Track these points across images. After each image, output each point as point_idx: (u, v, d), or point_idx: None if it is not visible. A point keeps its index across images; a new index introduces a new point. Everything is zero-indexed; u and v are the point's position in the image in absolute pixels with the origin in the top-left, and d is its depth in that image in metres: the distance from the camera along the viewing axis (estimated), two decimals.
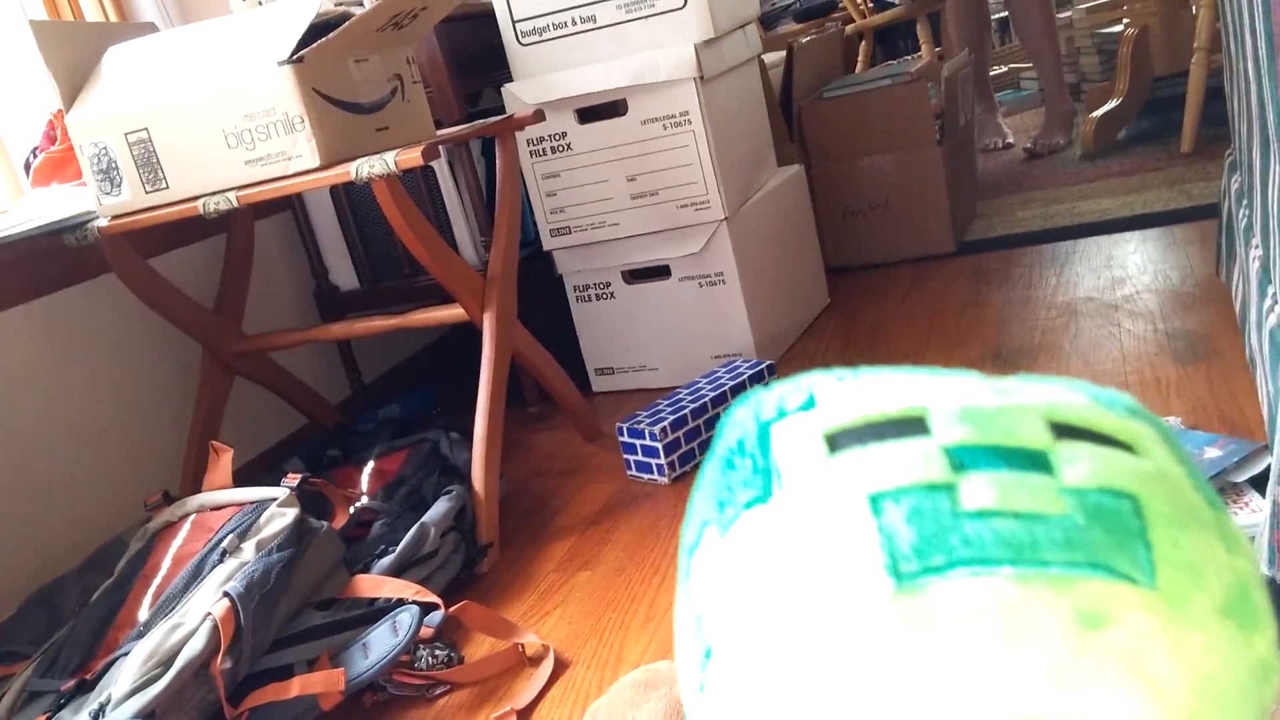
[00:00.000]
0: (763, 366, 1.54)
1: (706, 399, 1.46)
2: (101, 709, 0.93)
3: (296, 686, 0.99)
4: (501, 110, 1.69)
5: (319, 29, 1.21)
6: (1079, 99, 3.03)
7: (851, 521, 0.28)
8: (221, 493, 1.23)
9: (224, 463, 1.27)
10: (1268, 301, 0.96)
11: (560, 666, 1.03)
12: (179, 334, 1.57)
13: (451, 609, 1.09)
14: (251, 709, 0.99)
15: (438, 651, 1.07)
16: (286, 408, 1.72)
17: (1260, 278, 1.02)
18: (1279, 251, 0.87)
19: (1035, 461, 0.29)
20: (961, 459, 0.29)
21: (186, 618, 1.01)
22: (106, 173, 1.30)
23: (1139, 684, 0.26)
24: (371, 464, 1.43)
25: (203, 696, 0.97)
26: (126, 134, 1.27)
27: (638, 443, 1.41)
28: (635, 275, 1.75)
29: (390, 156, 1.18)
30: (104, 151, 1.29)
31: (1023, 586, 0.27)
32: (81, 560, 1.23)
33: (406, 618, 1.04)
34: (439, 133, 1.43)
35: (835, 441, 0.30)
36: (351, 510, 1.30)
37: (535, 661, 1.05)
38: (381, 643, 1.03)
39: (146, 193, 1.30)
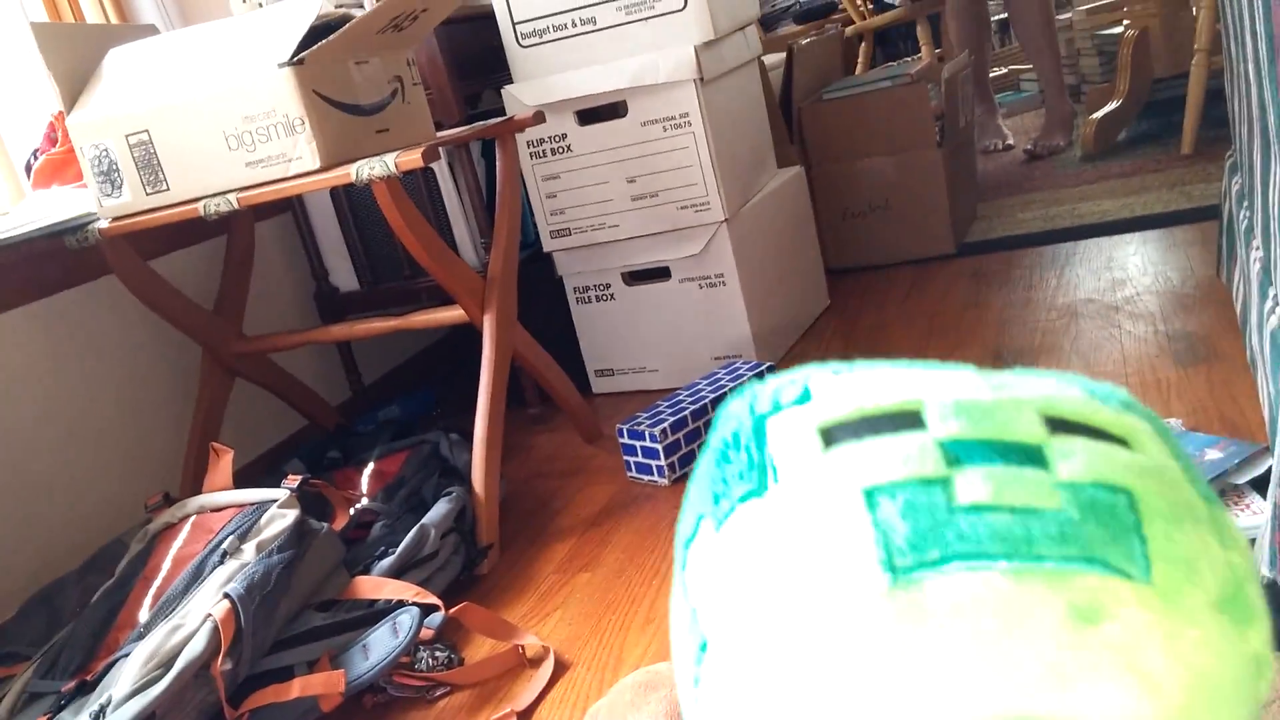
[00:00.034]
0: (763, 368, 1.54)
1: (706, 400, 1.46)
2: (102, 710, 0.93)
3: (297, 688, 0.99)
4: (501, 112, 1.69)
5: (319, 31, 1.21)
6: (1079, 100, 3.03)
7: (847, 516, 0.28)
8: (222, 494, 1.23)
9: (224, 464, 1.27)
10: (1269, 303, 0.96)
11: (560, 668, 1.03)
12: (179, 335, 1.57)
13: (452, 610, 1.09)
14: (252, 710, 0.99)
15: (438, 653, 1.07)
16: (286, 409, 1.72)
17: (1261, 279, 1.02)
18: None
19: (1030, 456, 0.29)
20: (957, 453, 0.29)
21: (187, 619, 1.01)
22: (107, 174, 1.30)
23: (1133, 679, 0.26)
24: (371, 465, 1.43)
25: (203, 698, 0.97)
26: (127, 136, 1.27)
27: (638, 444, 1.41)
28: (635, 277, 1.75)
29: (390, 158, 1.18)
30: (105, 153, 1.29)
31: (1017, 581, 0.27)
32: (82, 561, 1.23)
33: (407, 619, 1.04)
34: (439, 134, 1.44)
35: (830, 435, 0.31)
36: (352, 512, 1.30)
37: (535, 663, 1.05)
38: (382, 644, 1.03)
39: (147, 194, 1.30)
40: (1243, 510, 0.93)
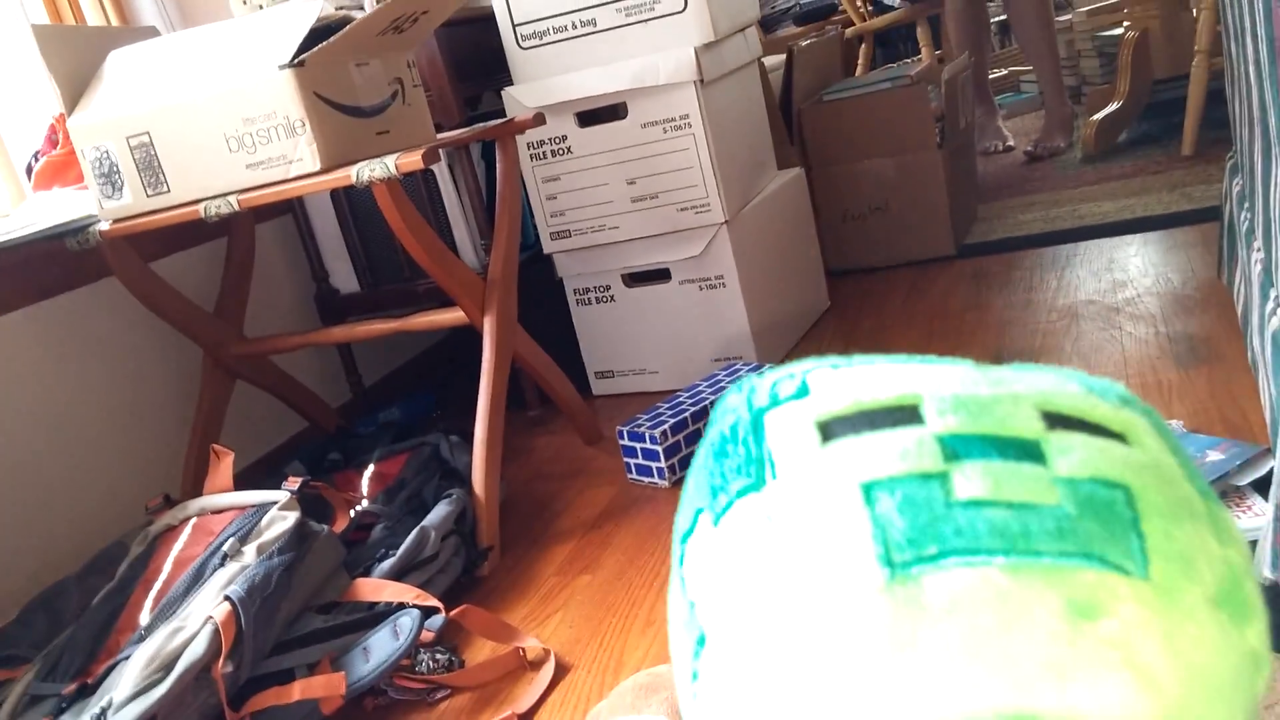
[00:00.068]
0: (763, 369, 1.55)
1: (707, 402, 1.45)
2: (103, 713, 0.93)
3: (298, 690, 0.99)
4: (501, 113, 1.69)
5: (320, 33, 1.22)
6: (1079, 102, 3.03)
7: (845, 511, 0.28)
8: (222, 496, 1.23)
9: (225, 466, 1.27)
10: (1270, 304, 0.96)
11: (561, 670, 1.03)
12: (180, 337, 1.57)
13: (452, 613, 1.09)
14: (253, 713, 0.99)
15: (438, 655, 1.07)
16: (287, 411, 1.72)
17: (1262, 280, 1.02)
18: None
19: (1028, 451, 0.29)
20: (955, 448, 0.29)
21: (188, 621, 1.01)
22: (108, 176, 1.30)
23: (1131, 674, 0.26)
24: (372, 467, 1.43)
25: (204, 700, 0.97)
26: (128, 138, 1.28)
27: (638, 446, 1.41)
28: (635, 278, 1.75)
29: (391, 160, 1.18)
30: (105, 155, 1.29)
31: (1015, 576, 0.27)
32: (82, 564, 1.23)
33: (407, 621, 1.04)
34: (439, 136, 1.44)
35: (828, 430, 0.30)
36: (352, 514, 1.30)
37: (536, 665, 1.05)
38: (382, 647, 1.03)
39: (148, 196, 1.30)
40: (1244, 512, 0.93)
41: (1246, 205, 1.18)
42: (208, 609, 1.01)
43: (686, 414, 1.42)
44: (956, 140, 2.17)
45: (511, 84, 1.69)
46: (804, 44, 2.26)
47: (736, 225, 1.67)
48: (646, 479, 1.42)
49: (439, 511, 1.24)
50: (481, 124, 1.46)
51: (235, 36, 1.26)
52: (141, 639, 1.02)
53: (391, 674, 1.03)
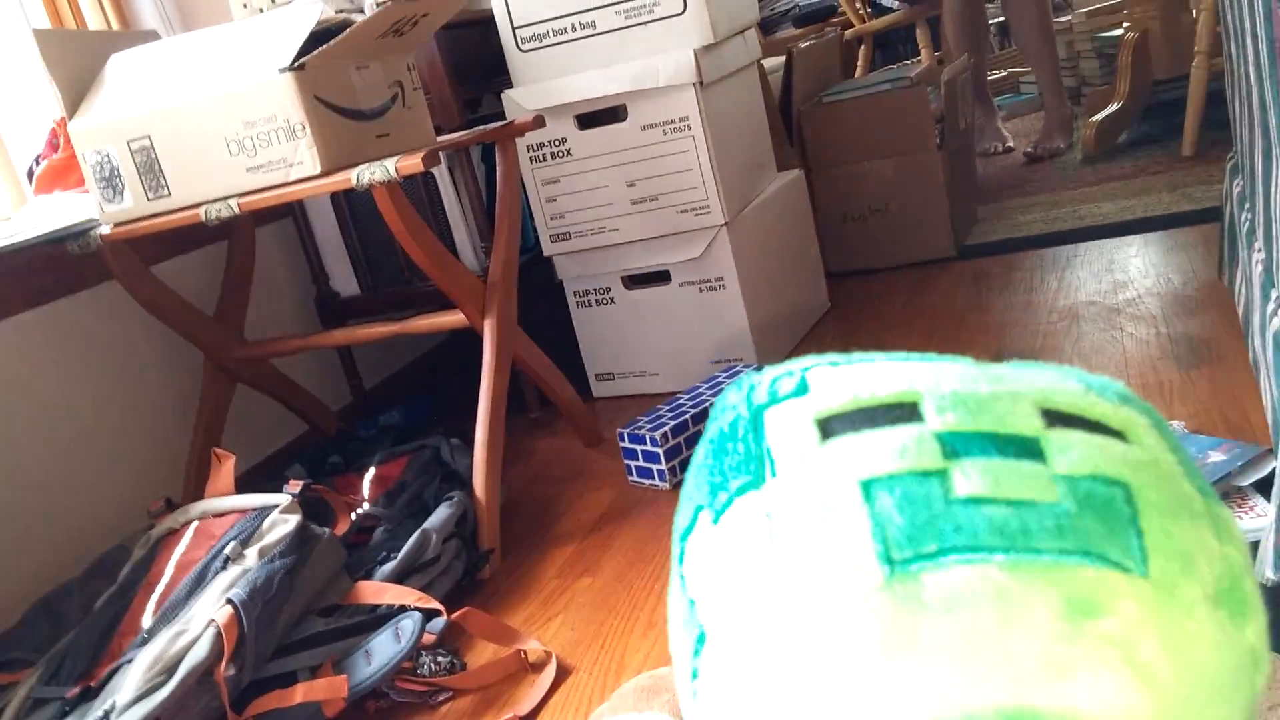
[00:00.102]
0: (763, 370, 1.54)
1: (707, 404, 1.45)
2: (106, 716, 0.93)
3: (300, 693, 0.99)
4: (501, 116, 1.70)
5: (320, 36, 1.22)
6: (1079, 103, 3.03)
7: (844, 508, 0.28)
8: (224, 499, 1.23)
9: (226, 469, 1.27)
10: (1271, 305, 0.96)
11: (563, 673, 1.03)
12: (181, 341, 1.57)
13: (454, 615, 1.09)
14: (255, 716, 0.99)
15: (440, 658, 1.07)
16: (288, 414, 1.72)
17: (1263, 281, 1.02)
18: None
19: (1027, 449, 0.30)
20: (954, 446, 0.29)
21: (190, 625, 1.01)
22: (109, 180, 1.30)
23: (1130, 672, 0.26)
24: (373, 470, 1.43)
25: (206, 703, 0.97)
26: (129, 141, 1.28)
27: (638, 448, 1.41)
28: (635, 280, 1.75)
29: (391, 163, 1.18)
30: (106, 159, 1.29)
31: (1014, 574, 0.27)
32: (84, 568, 1.23)
33: (409, 624, 1.04)
34: (439, 139, 1.44)
35: (828, 427, 0.31)
36: (353, 517, 1.30)
37: (538, 668, 1.05)
38: (384, 649, 1.03)
39: (149, 200, 1.30)
40: (1246, 513, 0.93)
41: (1247, 206, 1.18)
42: (210, 612, 1.01)
43: (687, 416, 1.42)
44: (956, 141, 2.17)
45: (511, 86, 1.69)
46: (803, 46, 2.27)
47: (736, 227, 1.67)
48: (647, 481, 1.42)
49: (440, 514, 1.24)
50: (481, 126, 1.46)
51: (235, 40, 1.26)
52: (144, 642, 1.02)
53: (393, 676, 1.03)
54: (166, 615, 1.06)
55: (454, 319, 1.39)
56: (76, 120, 1.30)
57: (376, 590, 1.12)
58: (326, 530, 1.17)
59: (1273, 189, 0.91)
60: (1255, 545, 0.78)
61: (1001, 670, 0.25)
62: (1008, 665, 0.26)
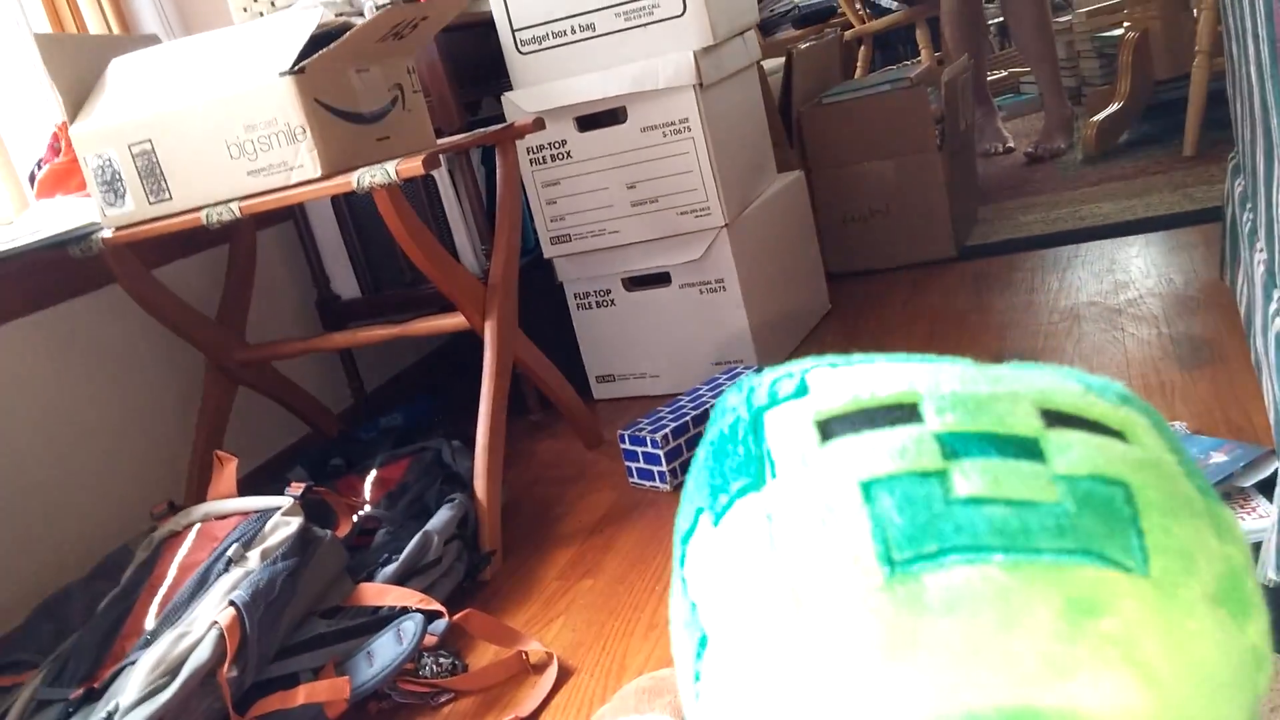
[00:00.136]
0: (763, 372, 1.54)
1: (708, 406, 1.46)
2: (109, 717, 0.93)
3: (302, 695, 0.99)
4: (501, 118, 1.70)
5: (320, 40, 1.22)
6: (1080, 103, 3.03)
7: (844, 509, 0.28)
8: (226, 502, 1.23)
9: (228, 472, 1.27)
10: (1273, 305, 0.96)
11: (564, 674, 1.03)
12: (183, 344, 1.58)
13: (455, 617, 1.09)
14: (257, 717, 0.99)
15: (442, 659, 1.07)
16: (289, 417, 1.72)
17: (1265, 281, 1.02)
18: None
19: (1027, 449, 0.30)
20: (953, 446, 0.29)
21: (193, 626, 1.01)
22: (110, 184, 1.31)
23: (1132, 671, 0.26)
24: (374, 472, 1.43)
25: (209, 705, 0.97)
26: (130, 145, 1.28)
27: (639, 450, 1.41)
28: (636, 282, 1.75)
29: (391, 166, 1.18)
30: (108, 163, 1.30)
31: (1015, 574, 0.27)
32: (88, 570, 1.23)
33: (411, 626, 1.04)
34: (439, 141, 1.44)
35: (828, 429, 0.31)
36: (355, 519, 1.30)
37: (539, 669, 1.05)
38: (386, 651, 1.03)
39: (150, 204, 1.30)
40: (1249, 514, 0.93)
41: (1249, 206, 1.18)
42: (212, 614, 1.02)
43: (687, 418, 1.42)
44: (956, 142, 2.17)
45: (511, 89, 1.70)
46: (803, 47, 2.27)
47: (736, 229, 1.67)
48: (648, 483, 1.42)
49: (441, 516, 1.24)
50: (481, 129, 1.46)
51: (236, 44, 1.26)
52: (147, 644, 1.02)
53: (395, 678, 1.03)
54: (169, 617, 1.06)
55: (455, 321, 1.40)
56: (78, 124, 1.31)
57: (378, 592, 1.12)
58: (328, 532, 1.17)
59: (1274, 189, 0.91)
60: (1257, 546, 0.78)
61: (1003, 670, 0.26)
62: (1009, 665, 0.26)
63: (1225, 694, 0.27)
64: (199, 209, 1.27)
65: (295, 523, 1.14)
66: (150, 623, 1.08)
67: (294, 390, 1.66)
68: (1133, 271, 1.72)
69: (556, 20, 1.63)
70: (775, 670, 0.27)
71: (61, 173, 1.56)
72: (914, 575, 0.27)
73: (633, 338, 1.77)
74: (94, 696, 1.00)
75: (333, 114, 1.23)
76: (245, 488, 1.27)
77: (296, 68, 1.19)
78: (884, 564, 0.27)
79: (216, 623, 0.99)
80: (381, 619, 1.09)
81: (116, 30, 1.84)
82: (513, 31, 1.66)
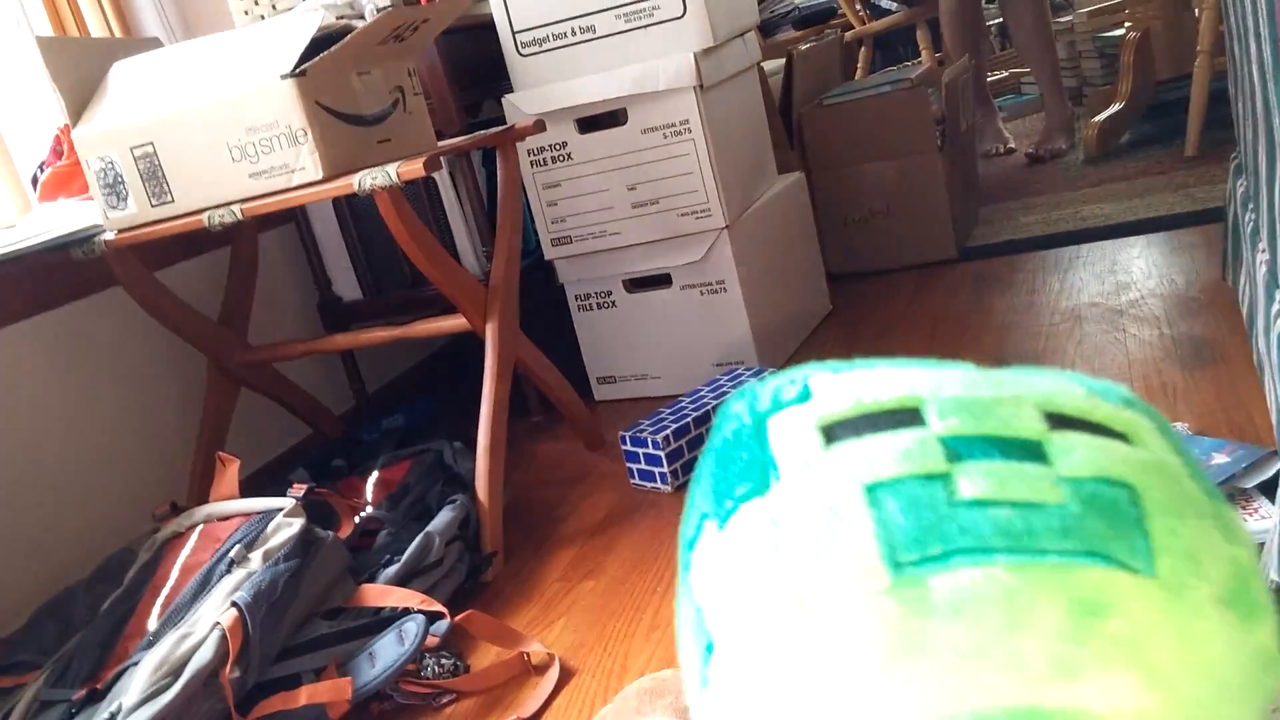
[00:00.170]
0: (764, 374, 1.55)
1: (709, 407, 1.46)
2: (112, 718, 0.93)
3: (304, 696, 0.99)
4: (502, 121, 1.70)
5: (321, 43, 1.22)
6: (1081, 103, 3.03)
7: (848, 512, 0.28)
8: (228, 503, 1.23)
9: (231, 473, 1.27)
10: (1275, 306, 0.96)
11: (566, 675, 1.03)
12: (185, 346, 1.58)
13: (457, 618, 1.09)
14: (260, 718, 0.99)
15: (444, 660, 1.07)
16: (291, 418, 1.72)
17: (1267, 281, 1.02)
18: None
19: (1031, 451, 0.30)
20: (957, 449, 0.30)
21: (195, 627, 1.01)
22: (113, 187, 1.31)
23: (1140, 672, 0.26)
24: (376, 474, 1.43)
25: (211, 706, 0.98)
26: (132, 148, 1.28)
27: (640, 451, 1.41)
28: (636, 284, 1.75)
29: (392, 168, 1.18)
30: (110, 166, 1.30)
31: (1021, 575, 0.27)
32: (90, 571, 1.23)
33: (413, 627, 1.04)
34: (440, 144, 1.44)
35: (831, 433, 0.31)
36: (357, 520, 1.31)
37: (541, 670, 1.05)
38: (388, 652, 1.03)
39: (152, 206, 1.31)
40: (1251, 515, 0.93)
41: (1251, 206, 1.18)
42: (215, 615, 1.02)
43: (688, 419, 1.42)
44: (957, 143, 2.17)
45: (512, 91, 1.70)
46: (803, 48, 2.27)
47: (737, 230, 1.67)
48: (649, 484, 1.42)
49: (443, 517, 1.24)
50: (482, 131, 1.46)
51: (237, 47, 1.27)
52: (149, 645, 1.02)
53: (397, 679, 1.03)
54: (172, 618, 1.07)
55: (456, 323, 1.40)
56: (80, 127, 1.31)
57: (380, 593, 1.13)
58: (330, 533, 1.17)
59: (1276, 189, 0.91)
60: (1260, 547, 0.78)
61: (1010, 671, 0.26)
62: (1016, 666, 0.26)
63: (1234, 695, 0.27)
64: (201, 211, 1.28)
65: (297, 524, 1.14)
66: (153, 624, 1.08)
67: (296, 392, 1.67)
68: (1134, 272, 1.72)
69: (557, 22, 1.63)
70: (782, 674, 0.27)
71: (64, 176, 1.56)
72: (919, 577, 0.27)
73: (634, 339, 1.77)
74: (97, 697, 1.00)
75: (334, 116, 1.23)
76: (247, 489, 1.27)
77: (298, 70, 1.19)
78: (889, 566, 0.27)
79: (219, 624, 0.99)
80: (383, 620, 1.09)
81: (118, 33, 1.84)
82: (513, 33, 1.66)
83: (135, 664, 0.99)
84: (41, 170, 1.60)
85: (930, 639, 0.26)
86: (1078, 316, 1.59)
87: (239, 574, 1.08)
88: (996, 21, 3.64)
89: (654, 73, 1.59)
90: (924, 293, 1.94)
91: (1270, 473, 0.97)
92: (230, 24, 1.84)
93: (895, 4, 3.08)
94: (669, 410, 1.47)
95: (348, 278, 1.83)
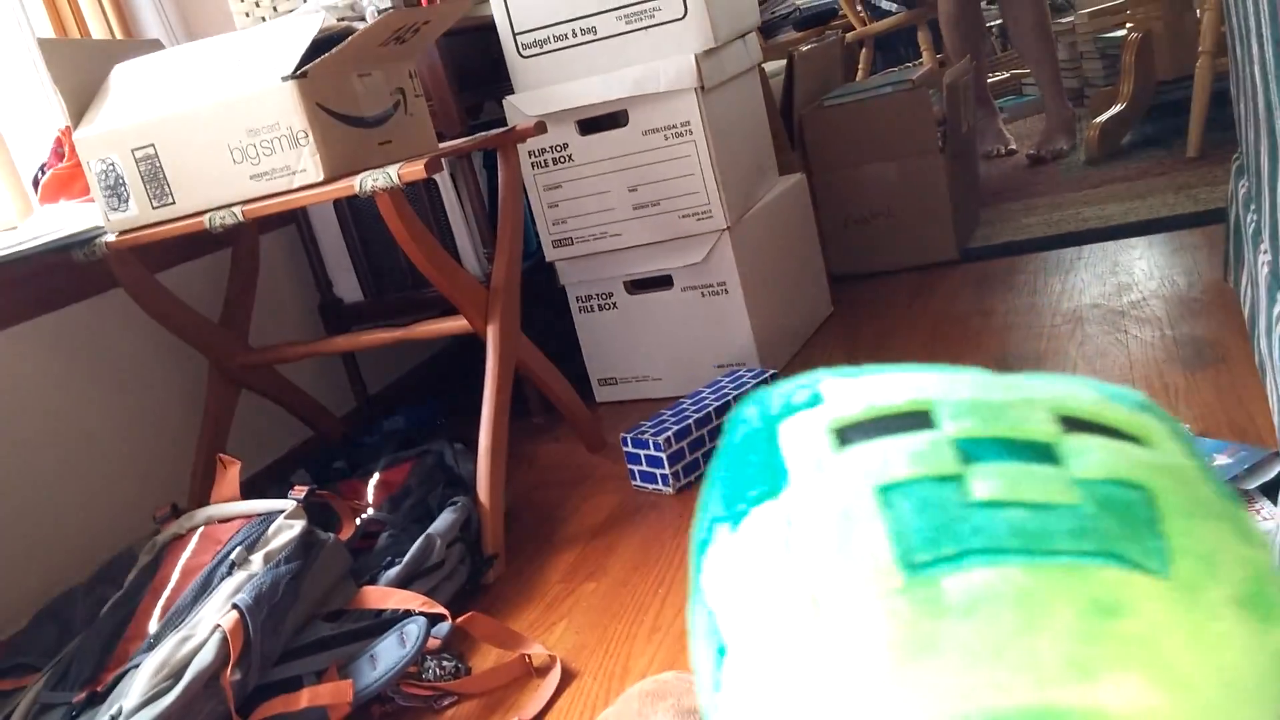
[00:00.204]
0: (766, 375, 1.54)
1: (710, 409, 1.45)
2: None
3: (305, 698, 0.99)
4: (503, 122, 1.70)
5: (322, 44, 1.22)
6: (1082, 104, 3.03)
7: (861, 514, 0.28)
8: (229, 505, 1.23)
9: (231, 475, 1.27)
10: (1277, 307, 0.95)
11: (567, 677, 1.03)
12: (186, 348, 1.58)
13: (458, 620, 1.09)
14: None
15: (445, 662, 1.07)
16: (292, 420, 1.72)
17: (1269, 283, 1.01)
18: None
19: (1043, 453, 0.29)
20: (970, 451, 0.29)
21: (196, 630, 1.01)
22: (114, 189, 1.31)
23: (1157, 671, 0.26)
24: (377, 476, 1.43)
25: (212, 708, 0.97)
26: (133, 150, 1.28)
27: (642, 453, 1.41)
28: (637, 285, 1.75)
29: (393, 170, 1.18)
30: (111, 168, 1.30)
31: (1035, 575, 0.27)
32: (91, 573, 1.23)
33: (414, 629, 1.04)
34: (441, 145, 1.44)
35: (843, 436, 0.31)
36: (358, 522, 1.30)
37: (542, 672, 1.04)
38: (389, 654, 1.03)
39: (153, 208, 1.30)
40: (1253, 515, 0.93)
41: (1253, 207, 1.18)
42: (215, 617, 1.01)
43: (690, 421, 1.42)
44: (958, 144, 2.17)
45: (512, 92, 1.70)
46: (804, 49, 2.27)
47: (738, 231, 1.67)
48: (650, 486, 1.42)
49: (444, 519, 1.24)
50: (483, 133, 1.46)
51: (238, 49, 1.26)
52: (150, 647, 1.02)
53: (398, 681, 1.03)
54: (172, 620, 1.06)
55: (457, 325, 1.40)
56: (81, 129, 1.31)
57: (381, 595, 1.12)
58: (331, 535, 1.17)
59: (1279, 190, 0.91)
60: None
61: (1025, 671, 0.25)
62: (1031, 665, 0.25)
63: (1249, 696, 0.27)
64: (202, 213, 1.27)
65: (298, 526, 1.14)
66: (153, 626, 1.08)
67: (297, 393, 1.66)
68: (1136, 273, 1.72)
69: (558, 24, 1.63)
70: (795, 676, 0.27)
71: (65, 177, 1.56)
72: (933, 578, 0.27)
73: (635, 341, 1.77)
74: (97, 700, 1.00)
75: (335, 118, 1.23)
76: (248, 491, 1.27)
77: (299, 72, 1.19)
78: (903, 567, 0.27)
79: (220, 626, 0.99)
80: (384, 622, 1.08)
81: (119, 35, 1.84)
82: (514, 35, 1.66)
83: (136, 666, 0.99)
84: (43, 172, 1.60)
85: (944, 639, 0.26)
86: (1079, 318, 1.59)
87: (240, 576, 1.07)
88: (997, 23, 3.64)
89: (655, 74, 1.59)
90: (925, 294, 1.94)
91: (1272, 474, 0.97)
92: (231, 26, 1.84)
93: (896, 5, 3.08)
94: (670, 412, 1.46)
95: (349, 279, 1.83)
